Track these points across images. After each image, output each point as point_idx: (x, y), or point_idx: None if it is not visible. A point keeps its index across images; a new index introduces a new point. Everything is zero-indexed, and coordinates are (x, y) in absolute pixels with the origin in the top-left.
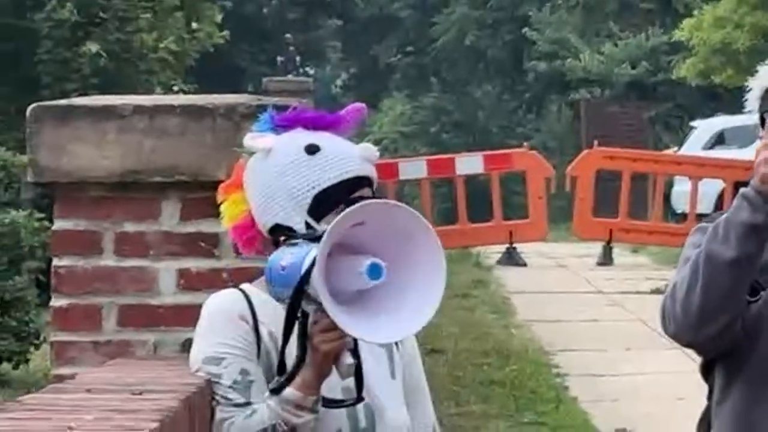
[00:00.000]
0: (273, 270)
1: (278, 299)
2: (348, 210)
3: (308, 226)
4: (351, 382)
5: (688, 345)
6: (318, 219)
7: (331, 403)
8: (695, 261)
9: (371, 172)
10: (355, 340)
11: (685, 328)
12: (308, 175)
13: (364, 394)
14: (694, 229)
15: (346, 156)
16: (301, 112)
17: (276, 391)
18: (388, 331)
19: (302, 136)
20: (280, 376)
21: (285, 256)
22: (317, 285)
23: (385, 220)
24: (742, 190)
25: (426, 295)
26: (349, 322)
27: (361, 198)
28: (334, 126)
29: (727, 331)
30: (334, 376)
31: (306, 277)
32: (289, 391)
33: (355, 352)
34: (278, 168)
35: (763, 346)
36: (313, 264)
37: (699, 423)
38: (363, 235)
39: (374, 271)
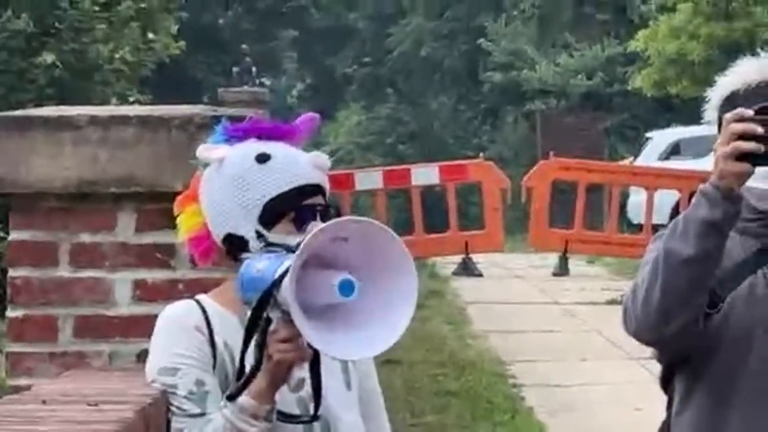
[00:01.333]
0: (246, 273)
1: (246, 303)
2: (332, 222)
3: (258, 234)
4: (306, 394)
5: (648, 343)
6: (269, 227)
7: (287, 418)
8: (655, 259)
9: (322, 179)
10: (317, 357)
11: (645, 326)
12: (258, 184)
13: (321, 407)
14: (655, 236)
15: (295, 164)
16: (254, 123)
17: (231, 397)
18: (348, 349)
19: (254, 146)
20: (238, 382)
21: (261, 261)
22: (287, 292)
23: (367, 239)
24: (700, 186)
25: (393, 320)
26: (312, 334)
27: (315, 206)
28: (287, 136)
29: (688, 331)
30: (287, 388)
31: (278, 282)
32: (243, 399)
33: (315, 369)
34: (229, 178)
35: (723, 357)
36: (286, 271)
37: None
38: (342, 251)
39: (346, 288)
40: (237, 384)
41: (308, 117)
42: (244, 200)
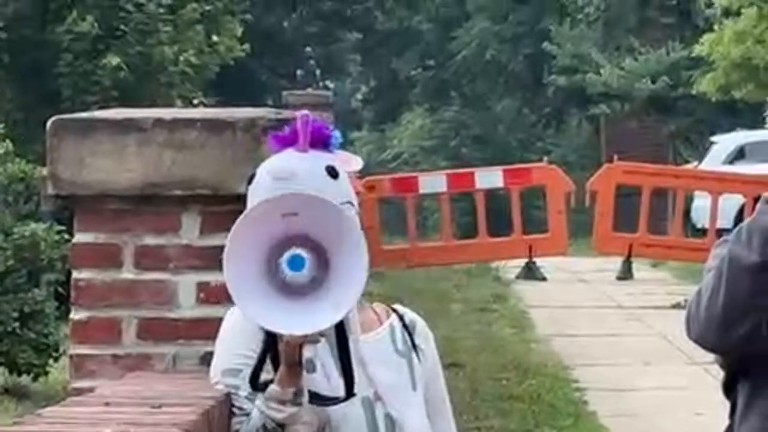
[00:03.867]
0: None
1: None
2: (279, 196)
3: None
4: (372, 395)
5: (711, 350)
6: None
7: (322, 401)
8: (718, 266)
9: (285, 189)
10: (344, 340)
11: (709, 332)
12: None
13: (385, 405)
14: (719, 241)
15: (262, 181)
16: (272, 136)
17: (255, 387)
18: (301, 324)
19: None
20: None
21: None
22: (225, 273)
23: (317, 214)
24: (765, 194)
25: (338, 299)
26: (258, 313)
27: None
28: (291, 143)
29: (751, 337)
30: (332, 379)
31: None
32: (270, 388)
33: (344, 348)
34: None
35: None
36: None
37: None
38: (294, 226)
39: (295, 263)
40: (252, 369)
41: (301, 119)
42: None
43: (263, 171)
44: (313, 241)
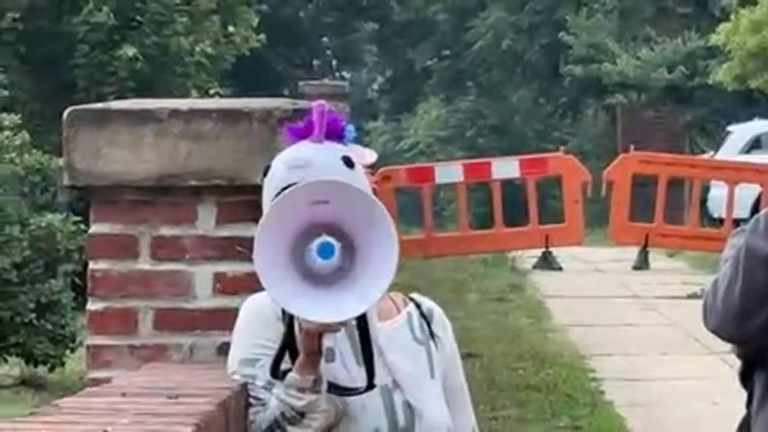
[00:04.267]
0: None
1: None
2: (311, 181)
3: None
4: (391, 383)
5: (728, 339)
6: None
7: (341, 391)
8: (735, 256)
9: (301, 177)
10: (365, 330)
11: (726, 322)
12: (264, 197)
13: (404, 393)
14: (735, 231)
15: (278, 171)
16: (288, 128)
17: (276, 375)
18: (325, 312)
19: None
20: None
21: None
22: (255, 256)
23: (349, 202)
24: None
25: (364, 290)
26: (284, 297)
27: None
28: (306, 134)
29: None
30: (350, 368)
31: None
32: (289, 375)
33: (365, 340)
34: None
35: None
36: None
37: (738, 430)
38: (323, 214)
39: (324, 250)
40: (273, 358)
41: (317, 109)
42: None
43: (278, 162)
44: (343, 230)
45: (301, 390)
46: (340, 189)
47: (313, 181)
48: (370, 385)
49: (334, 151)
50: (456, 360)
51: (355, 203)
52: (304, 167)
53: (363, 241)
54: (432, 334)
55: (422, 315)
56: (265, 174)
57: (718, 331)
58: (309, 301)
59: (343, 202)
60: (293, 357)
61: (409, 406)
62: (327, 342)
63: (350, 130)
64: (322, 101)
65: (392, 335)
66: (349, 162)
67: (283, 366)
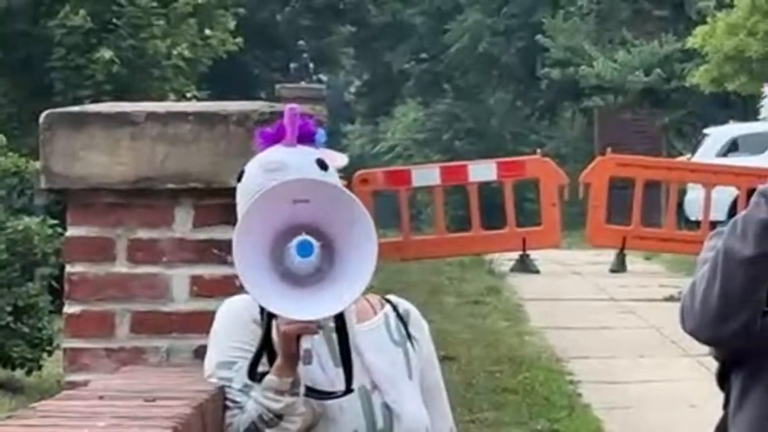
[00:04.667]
0: None
1: None
2: (291, 179)
3: None
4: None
5: (706, 342)
6: None
7: (319, 394)
8: (713, 258)
9: (276, 179)
10: (344, 333)
11: (704, 324)
12: (239, 202)
13: (382, 394)
14: (712, 233)
15: (253, 176)
16: (260, 132)
17: (253, 377)
18: (303, 311)
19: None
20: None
21: None
22: (235, 254)
23: (328, 201)
24: (760, 187)
25: (340, 291)
26: (263, 295)
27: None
28: (278, 138)
29: (745, 330)
30: (328, 370)
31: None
32: (267, 378)
33: (343, 343)
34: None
35: None
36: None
37: (715, 431)
38: (304, 213)
39: (304, 248)
40: (251, 360)
41: (288, 113)
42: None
43: (252, 166)
44: (321, 230)
45: (279, 392)
46: (320, 187)
47: (292, 179)
48: (348, 389)
49: (307, 154)
50: (433, 360)
51: (335, 202)
52: (279, 170)
53: (342, 242)
54: (409, 336)
55: (399, 316)
56: (239, 179)
57: (695, 334)
58: (288, 300)
59: (323, 200)
60: (271, 360)
61: (387, 408)
62: (305, 344)
63: (321, 133)
64: (293, 105)
65: (370, 336)
66: (323, 165)
67: (261, 368)
